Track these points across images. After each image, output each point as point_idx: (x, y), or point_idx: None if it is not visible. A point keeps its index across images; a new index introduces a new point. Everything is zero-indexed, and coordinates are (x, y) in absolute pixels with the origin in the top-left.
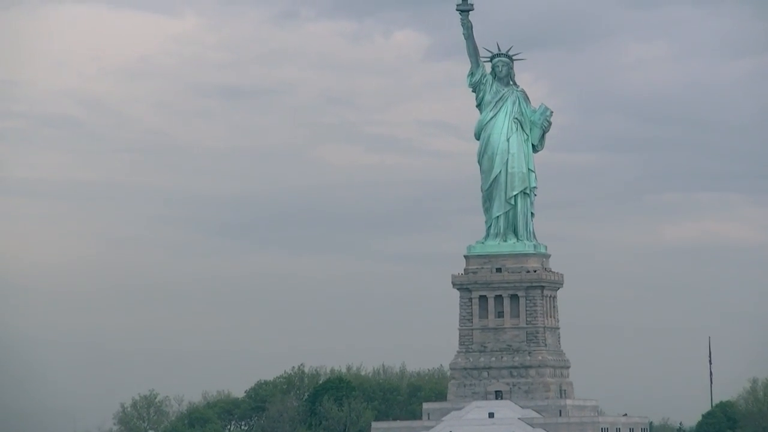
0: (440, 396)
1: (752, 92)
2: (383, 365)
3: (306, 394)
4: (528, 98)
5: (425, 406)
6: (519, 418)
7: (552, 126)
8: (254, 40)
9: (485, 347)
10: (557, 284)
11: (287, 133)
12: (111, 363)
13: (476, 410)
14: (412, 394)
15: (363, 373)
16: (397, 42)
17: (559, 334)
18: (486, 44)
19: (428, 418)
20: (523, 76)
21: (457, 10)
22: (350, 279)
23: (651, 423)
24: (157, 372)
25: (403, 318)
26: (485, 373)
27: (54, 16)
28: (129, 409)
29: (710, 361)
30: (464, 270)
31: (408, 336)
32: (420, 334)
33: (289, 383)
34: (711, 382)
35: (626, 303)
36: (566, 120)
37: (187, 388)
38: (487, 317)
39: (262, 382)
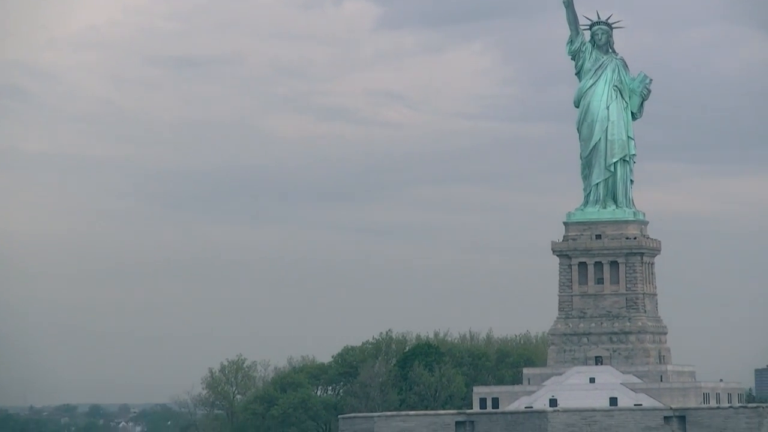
0: (528, 362)
1: (701, 63)
2: (470, 331)
3: (394, 360)
4: (627, 66)
5: (525, 371)
6: (621, 384)
7: (501, 97)
8: (204, 10)
9: (585, 313)
10: (656, 251)
11: (237, 103)
12: (197, 330)
13: (577, 375)
14: (500, 360)
15: (449, 339)
16: (347, 12)
17: (656, 301)
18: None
19: (528, 383)
20: (473, 46)
21: None
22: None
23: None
24: (242, 339)
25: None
26: (585, 339)
27: None
28: (217, 373)
29: None
30: (563, 237)
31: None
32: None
33: (377, 349)
34: None
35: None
36: (518, 90)
37: (271, 354)
38: (587, 284)
39: (349, 347)
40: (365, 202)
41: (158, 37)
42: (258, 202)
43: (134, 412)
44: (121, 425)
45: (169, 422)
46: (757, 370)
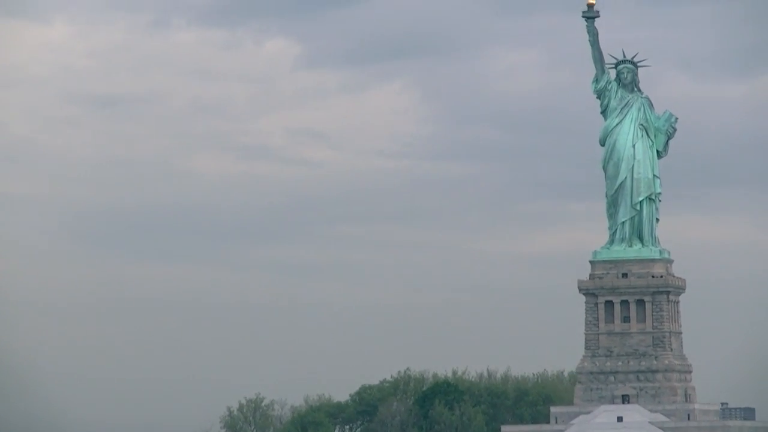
0: (547, 400)
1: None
2: (487, 369)
3: (412, 399)
4: (652, 105)
5: (553, 410)
6: (649, 422)
7: (421, 135)
8: (124, 49)
9: (611, 352)
10: (681, 289)
11: (158, 142)
12: (213, 368)
13: (605, 414)
14: (519, 399)
15: (466, 377)
16: (268, 50)
17: (681, 339)
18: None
19: (556, 422)
20: (394, 85)
21: (582, 17)
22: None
23: None
24: (257, 377)
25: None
26: (612, 378)
27: None
28: (235, 412)
29: None
30: (590, 275)
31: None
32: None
33: (395, 387)
34: None
35: None
36: (436, 129)
37: (287, 393)
38: (613, 322)
39: (367, 386)
40: (289, 241)
41: (78, 75)
42: (191, 240)
43: None
44: None
45: None
46: None
